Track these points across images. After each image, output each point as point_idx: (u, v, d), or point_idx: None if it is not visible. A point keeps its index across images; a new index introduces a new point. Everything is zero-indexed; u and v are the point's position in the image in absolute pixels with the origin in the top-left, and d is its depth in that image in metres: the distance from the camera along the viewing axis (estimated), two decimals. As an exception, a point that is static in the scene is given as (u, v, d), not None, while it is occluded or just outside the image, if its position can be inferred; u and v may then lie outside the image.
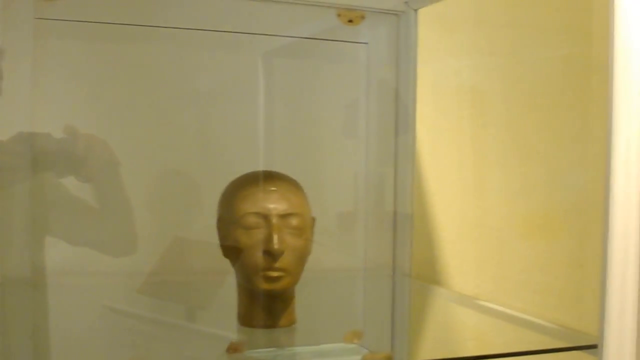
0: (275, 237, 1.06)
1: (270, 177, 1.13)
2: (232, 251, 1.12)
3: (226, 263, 1.14)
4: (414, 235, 1.48)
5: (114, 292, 1.29)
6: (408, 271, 1.47)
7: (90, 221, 1.24)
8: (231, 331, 1.13)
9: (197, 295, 1.34)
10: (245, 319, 1.13)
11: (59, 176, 1.19)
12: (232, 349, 1.01)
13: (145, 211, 1.32)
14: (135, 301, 1.28)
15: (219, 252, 1.16)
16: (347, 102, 1.47)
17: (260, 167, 1.27)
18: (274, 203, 1.08)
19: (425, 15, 1.45)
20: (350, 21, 1.40)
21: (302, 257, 1.11)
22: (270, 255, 1.06)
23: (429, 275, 1.50)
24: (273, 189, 1.10)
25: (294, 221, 1.09)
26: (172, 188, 1.36)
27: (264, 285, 1.07)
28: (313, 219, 1.16)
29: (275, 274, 1.07)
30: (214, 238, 1.15)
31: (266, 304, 1.11)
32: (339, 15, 1.39)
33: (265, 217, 1.07)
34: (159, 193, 1.34)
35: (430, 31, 1.47)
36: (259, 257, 1.07)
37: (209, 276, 1.31)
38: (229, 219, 1.11)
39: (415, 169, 1.48)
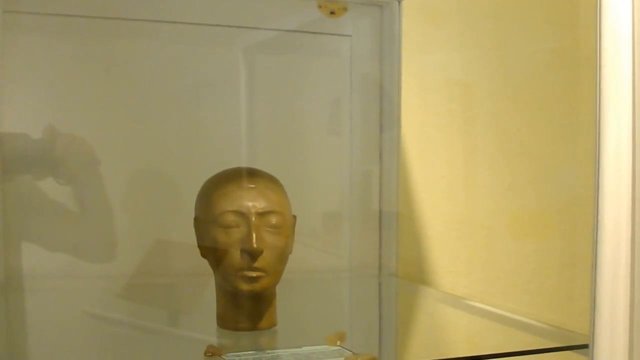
0: (254, 236, 1.04)
1: (248, 174, 1.12)
2: (210, 251, 1.10)
3: (205, 264, 1.14)
4: (400, 234, 1.48)
5: (92, 296, 1.29)
6: (394, 271, 1.47)
7: (69, 225, 1.24)
8: (211, 334, 1.12)
9: (179, 299, 1.35)
10: (225, 321, 1.12)
11: (36, 178, 1.18)
12: (210, 352, 0.98)
13: (125, 213, 1.33)
14: (115, 306, 1.28)
15: (197, 253, 1.15)
16: (331, 98, 1.47)
17: (243, 164, 1.27)
18: (253, 200, 1.07)
19: (409, 6, 1.45)
20: (332, 13, 1.39)
21: (282, 256, 1.09)
22: (249, 254, 1.04)
23: (416, 274, 1.50)
24: (251, 186, 1.09)
25: (273, 219, 1.07)
26: (153, 188, 1.36)
27: (243, 286, 1.06)
28: (294, 217, 1.15)
29: (254, 274, 1.05)
30: (192, 239, 1.15)
31: (246, 306, 1.10)
32: (320, 6, 1.38)
33: (244, 215, 1.06)
34: (140, 194, 1.34)
35: (414, 23, 1.47)
36: (237, 256, 1.06)
37: (192, 279, 1.31)
38: (206, 218, 1.10)
39: (401, 166, 1.48)
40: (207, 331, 1.13)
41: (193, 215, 1.14)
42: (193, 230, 1.13)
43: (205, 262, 1.13)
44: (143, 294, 1.33)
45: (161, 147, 1.35)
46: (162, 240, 1.34)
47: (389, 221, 1.48)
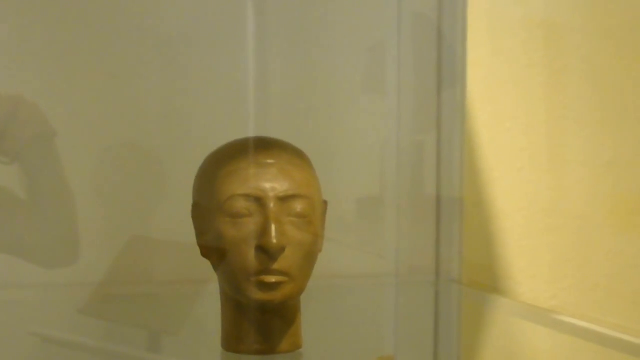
0: (273, 228, 1.04)
1: (265, 146, 1.11)
2: (213, 249, 1.09)
3: (205, 268, 1.13)
4: (465, 227, 1.51)
5: (45, 312, 1.31)
6: (457, 276, 1.51)
7: (15, 217, 1.24)
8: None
9: (164, 314, 1.36)
10: (232, 342, 1.11)
11: None
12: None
13: (92, 201, 1.34)
14: (76, 325, 1.29)
15: (193, 252, 1.13)
16: (369, 44, 1.48)
17: (252, 135, 1.24)
18: (271, 181, 1.06)
19: None
20: None
21: (309, 255, 1.09)
22: (267, 253, 1.04)
23: (485, 280, 1.52)
24: (270, 161, 1.08)
25: (298, 206, 1.07)
26: (129, 169, 1.37)
27: (258, 295, 1.06)
28: (325, 204, 1.14)
29: (273, 279, 1.05)
30: (185, 235, 1.15)
31: (261, 322, 1.10)
32: None
33: (259, 200, 1.06)
34: (111, 176, 1.36)
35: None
36: (250, 256, 1.05)
37: (180, 287, 1.35)
38: (208, 205, 1.09)
39: (466, 136, 1.49)
40: (207, 356, 1.15)
41: (182, 204, 1.14)
42: (182, 223, 1.14)
43: (205, 264, 1.12)
44: (115, 308, 1.35)
45: (142, 114, 1.37)
46: (141, 237, 1.36)
47: (449, 210, 1.50)
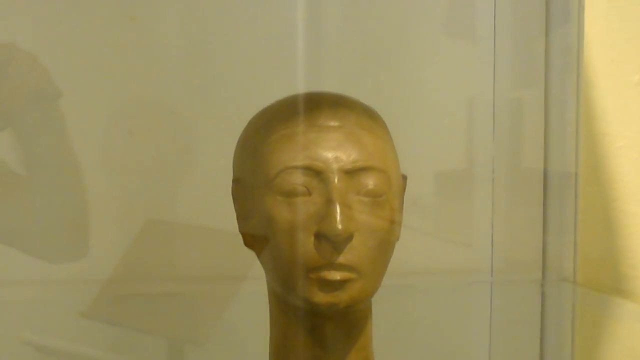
0: (338, 210, 1.02)
1: (327, 104, 1.10)
2: (260, 237, 1.09)
3: (241, 262, 1.16)
4: (580, 212, 1.51)
5: (41, 315, 1.33)
6: (569, 274, 1.51)
7: (10, 198, 1.25)
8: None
9: (188, 320, 1.38)
10: (284, 357, 1.12)
11: None
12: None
13: (100, 179, 1.35)
14: (79, 331, 1.32)
15: (226, 241, 1.15)
16: None
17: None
18: (335, 149, 1.05)
19: None
20: None
21: (384, 245, 1.07)
22: (329, 242, 1.02)
23: (605, 280, 1.51)
24: (333, 123, 1.07)
25: (370, 181, 1.05)
26: (149, 135, 1.40)
27: (318, 297, 1.05)
28: (403, 179, 1.14)
29: (337, 275, 1.03)
30: (218, 219, 1.17)
31: (322, 331, 1.09)
32: None
33: (320, 174, 1.05)
34: (126, 145, 1.39)
35: None
36: (308, 246, 1.04)
37: (209, 285, 1.37)
38: (253, 181, 1.09)
39: (582, 92, 1.47)
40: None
41: (216, 178, 1.15)
42: (213, 205, 1.17)
43: (242, 257, 1.14)
44: (126, 311, 1.37)
45: (165, 63, 1.39)
46: (160, 222, 1.38)
47: (559, 189, 1.50)
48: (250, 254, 1.13)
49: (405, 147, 1.21)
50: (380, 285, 1.09)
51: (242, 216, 1.13)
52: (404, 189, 1.15)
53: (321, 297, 1.05)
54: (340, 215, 1.03)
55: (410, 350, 1.29)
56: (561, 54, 1.48)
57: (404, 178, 1.15)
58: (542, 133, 1.50)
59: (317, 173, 1.05)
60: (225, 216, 1.15)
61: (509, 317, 1.51)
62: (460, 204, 1.53)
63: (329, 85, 1.29)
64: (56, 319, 1.34)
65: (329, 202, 1.04)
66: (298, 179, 1.06)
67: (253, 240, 1.12)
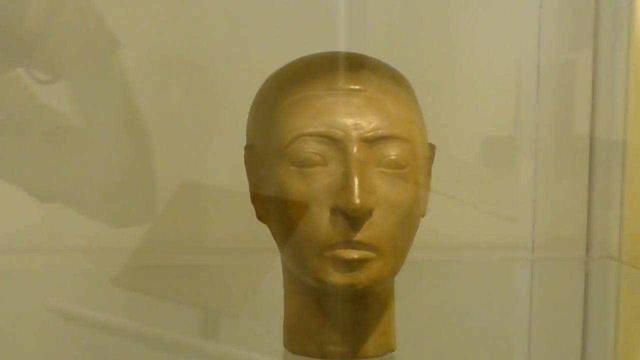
0: (356, 183, 0.98)
1: (346, 65, 1.06)
2: (272, 210, 1.07)
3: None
4: (627, 184, 1.50)
5: (69, 283, 1.34)
6: (615, 252, 1.50)
7: (63, 152, 1.23)
8: (275, 361, 1.13)
9: (225, 291, 1.38)
10: (298, 341, 1.10)
11: (6, 69, 1.18)
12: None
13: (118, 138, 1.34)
14: (107, 301, 1.31)
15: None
16: None
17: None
18: (355, 115, 1.01)
19: None
20: None
21: (407, 221, 1.04)
22: (347, 217, 0.99)
23: None
24: (353, 86, 1.02)
25: (392, 151, 1.01)
26: (177, 90, 1.43)
27: (335, 277, 1.01)
28: (432, 149, 1.10)
29: (355, 254, 1.00)
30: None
31: (339, 314, 1.07)
32: None
33: (337, 142, 1.01)
34: (149, 103, 1.34)
35: None
36: (324, 221, 1.01)
37: (252, 256, 1.31)
38: (265, 148, 1.07)
39: (634, 55, 1.46)
40: (277, 345, 1.13)
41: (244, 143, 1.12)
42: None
43: (264, 231, 1.10)
44: (161, 281, 1.37)
45: (197, 17, 1.42)
46: (196, 185, 1.39)
47: (606, 159, 1.48)
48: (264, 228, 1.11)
49: (444, 114, 1.26)
50: (413, 261, 1.07)
51: (254, 186, 1.11)
52: (432, 159, 1.11)
53: (337, 277, 1.02)
54: (358, 188, 0.99)
55: (437, 334, 1.28)
56: (611, 14, 1.47)
57: (432, 147, 1.11)
58: (590, 98, 1.49)
59: (334, 141, 1.02)
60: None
61: (550, 296, 1.48)
62: (501, 173, 1.53)
63: (370, 48, 1.26)
64: (83, 286, 1.34)
65: (346, 174, 1.00)
66: (313, 147, 1.02)
67: (265, 213, 1.10)
